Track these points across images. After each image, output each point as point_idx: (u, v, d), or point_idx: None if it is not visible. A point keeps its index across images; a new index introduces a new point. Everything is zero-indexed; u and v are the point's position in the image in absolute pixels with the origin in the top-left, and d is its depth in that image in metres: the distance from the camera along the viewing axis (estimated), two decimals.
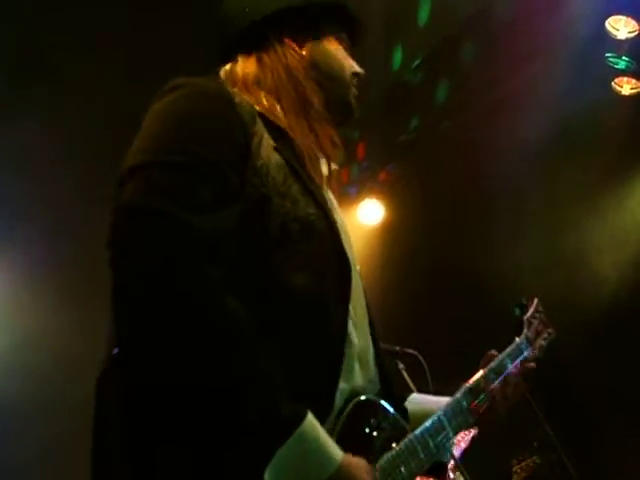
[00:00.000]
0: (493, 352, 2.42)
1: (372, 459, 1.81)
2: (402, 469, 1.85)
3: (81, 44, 5.26)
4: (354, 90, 2.31)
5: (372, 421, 1.88)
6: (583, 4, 5.39)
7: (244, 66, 2.20)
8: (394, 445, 1.88)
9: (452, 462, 4.46)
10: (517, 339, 2.53)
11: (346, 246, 1.99)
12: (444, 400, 2.27)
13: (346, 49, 2.36)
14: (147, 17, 5.15)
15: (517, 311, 2.68)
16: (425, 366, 3.74)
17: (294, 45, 2.22)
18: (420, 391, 3.68)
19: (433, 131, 6.94)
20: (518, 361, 2.45)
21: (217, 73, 2.24)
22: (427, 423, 2.01)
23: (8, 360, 5.71)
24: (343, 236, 2.00)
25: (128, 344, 1.66)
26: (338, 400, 1.83)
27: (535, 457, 6.11)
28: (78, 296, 5.72)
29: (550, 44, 5.62)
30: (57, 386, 5.56)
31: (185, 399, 1.60)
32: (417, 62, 6.76)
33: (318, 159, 2.11)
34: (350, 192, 7.66)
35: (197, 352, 1.60)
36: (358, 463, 1.70)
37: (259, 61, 2.19)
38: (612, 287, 6.49)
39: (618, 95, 6.03)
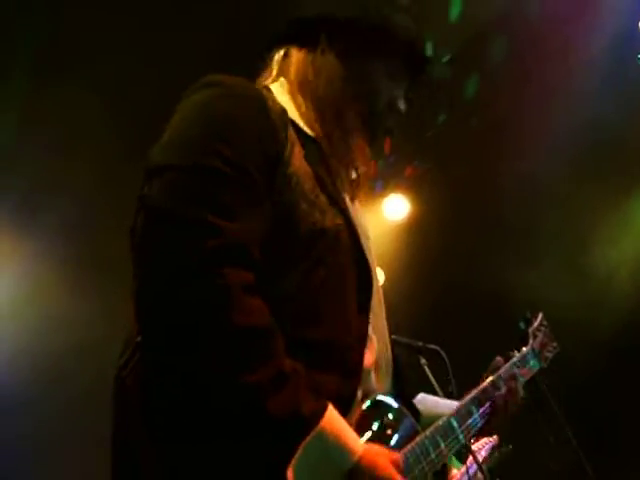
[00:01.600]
0: (499, 359, 2.48)
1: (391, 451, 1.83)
2: (415, 468, 1.87)
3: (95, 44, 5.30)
4: (384, 121, 2.22)
5: (386, 419, 1.91)
6: (616, 4, 5.36)
7: (298, 59, 2.16)
8: (407, 443, 1.91)
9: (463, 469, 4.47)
10: (524, 349, 2.63)
11: (368, 257, 2.01)
12: (450, 403, 2.33)
13: (398, 82, 2.25)
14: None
15: (522, 324, 2.79)
16: (447, 362, 3.72)
17: (340, 56, 2.13)
18: (442, 387, 3.70)
19: (460, 127, 6.91)
20: (523, 370, 2.55)
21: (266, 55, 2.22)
22: (438, 423, 2.05)
23: (27, 345, 5.76)
24: (365, 246, 2.02)
25: (154, 347, 1.68)
26: (359, 397, 1.88)
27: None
28: (96, 285, 5.75)
29: (582, 43, 5.59)
30: (75, 372, 5.59)
31: (210, 396, 1.63)
32: (447, 57, 6.74)
33: (347, 169, 2.12)
34: (376, 187, 7.66)
35: (221, 351, 1.62)
36: (379, 451, 1.74)
37: (312, 61, 2.14)
38: (630, 303, 6.44)
39: None
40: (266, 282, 1.73)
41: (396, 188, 7.55)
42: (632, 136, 6.20)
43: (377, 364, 2.01)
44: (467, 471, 4.58)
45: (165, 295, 1.62)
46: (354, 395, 1.86)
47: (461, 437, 2.11)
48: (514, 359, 2.51)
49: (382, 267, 8.10)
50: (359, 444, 1.71)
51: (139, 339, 1.72)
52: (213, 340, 1.61)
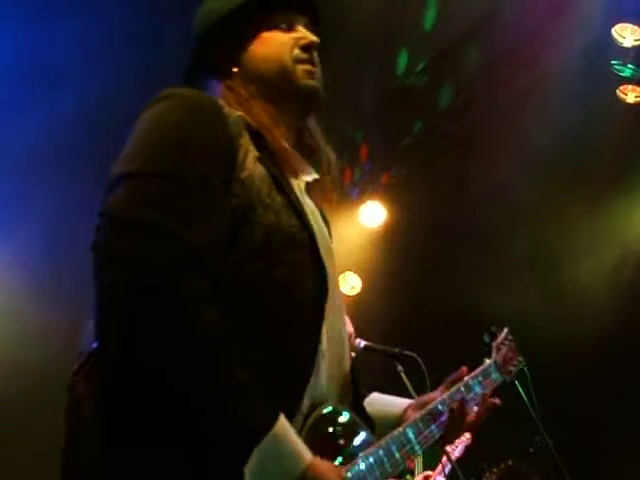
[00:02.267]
0: (464, 369, 2.46)
1: (339, 467, 1.82)
2: (368, 477, 1.85)
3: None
4: (304, 67, 2.19)
5: (339, 429, 1.90)
6: (590, 10, 5.40)
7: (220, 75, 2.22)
8: (361, 454, 1.88)
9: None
10: (486, 362, 2.62)
11: (325, 257, 2.00)
12: (404, 401, 2.36)
13: (290, 24, 2.24)
14: None
15: (486, 338, 2.77)
16: (424, 369, 3.74)
17: (228, 63, 2.19)
18: (419, 393, 3.70)
19: (437, 135, 6.94)
20: (486, 382, 2.52)
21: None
22: (394, 434, 2.03)
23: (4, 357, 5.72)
24: (322, 246, 2.01)
25: (112, 349, 1.68)
26: (306, 406, 1.85)
27: (509, 461, 6.19)
28: (76, 295, 5.71)
29: (556, 49, 5.63)
30: (53, 386, 5.54)
31: (163, 402, 1.64)
32: (422, 66, 6.77)
33: (298, 169, 2.13)
34: (352, 194, 7.68)
35: (179, 359, 1.63)
36: (326, 466, 1.72)
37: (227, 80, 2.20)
38: (606, 315, 6.46)
39: (623, 103, 6.04)
40: (223, 287, 1.75)
41: (372, 195, 7.57)
42: (606, 144, 6.23)
43: (331, 371, 1.98)
44: (443, 469, 4.66)
45: (123, 304, 1.63)
46: (301, 396, 1.84)
47: (417, 448, 2.09)
48: (476, 371, 2.50)
49: (358, 273, 8.15)
50: (308, 453, 1.70)
51: (95, 345, 1.73)
52: (168, 350, 1.63)
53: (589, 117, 5.92)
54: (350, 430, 1.93)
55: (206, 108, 1.96)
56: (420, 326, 6.88)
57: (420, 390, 3.70)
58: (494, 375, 2.60)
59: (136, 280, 1.63)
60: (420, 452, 2.09)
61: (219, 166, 1.85)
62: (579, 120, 5.87)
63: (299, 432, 1.76)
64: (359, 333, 4.05)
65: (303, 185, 2.17)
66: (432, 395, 2.36)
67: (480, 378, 2.49)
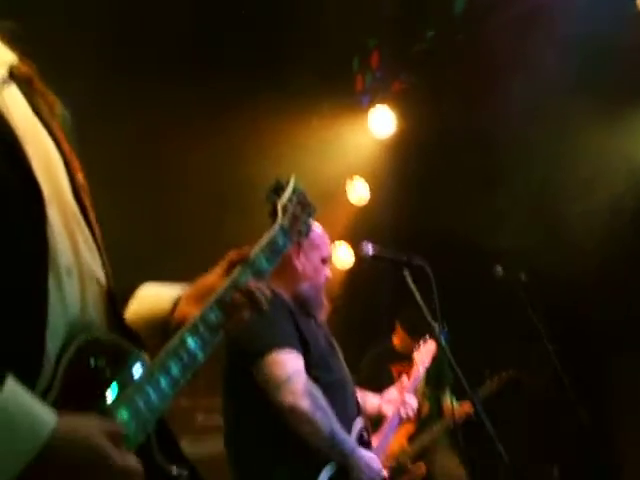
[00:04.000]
0: (247, 251, 2.04)
1: (107, 404, 1.61)
2: (141, 404, 1.64)
3: None
4: None
5: (100, 362, 1.65)
6: None
7: None
8: (133, 379, 1.67)
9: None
10: (271, 231, 2.17)
11: (40, 166, 1.67)
12: (174, 292, 2.02)
13: None
14: None
15: (271, 197, 2.28)
16: (431, 277, 3.76)
17: None
18: (426, 302, 3.75)
19: (449, 42, 6.84)
20: (273, 253, 2.12)
21: None
22: (169, 347, 1.75)
23: None
24: (37, 152, 1.69)
25: None
26: (51, 346, 1.58)
27: (510, 371, 6.32)
28: None
29: None
30: None
31: None
32: None
33: None
34: (363, 101, 7.62)
35: None
36: (80, 421, 1.49)
37: None
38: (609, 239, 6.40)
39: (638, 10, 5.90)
40: None
41: (383, 102, 7.51)
42: (621, 52, 6.09)
43: (88, 289, 1.73)
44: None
45: None
46: (42, 334, 1.57)
47: (200, 356, 1.79)
48: (260, 245, 2.09)
49: (366, 180, 8.14)
50: (51, 415, 1.44)
51: None
52: None
53: (601, 25, 5.79)
54: (116, 356, 1.68)
55: None
56: (426, 235, 6.89)
57: (427, 298, 3.75)
58: (281, 241, 2.17)
59: None
60: (202, 360, 1.79)
61: None
62: (595, 30, 5.75)
63: (53, 374, 1.56)
64: (367, 239, 4.01)
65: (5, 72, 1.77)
66: (208, 280, 2.01)
67: (266, 251, 2.09)
